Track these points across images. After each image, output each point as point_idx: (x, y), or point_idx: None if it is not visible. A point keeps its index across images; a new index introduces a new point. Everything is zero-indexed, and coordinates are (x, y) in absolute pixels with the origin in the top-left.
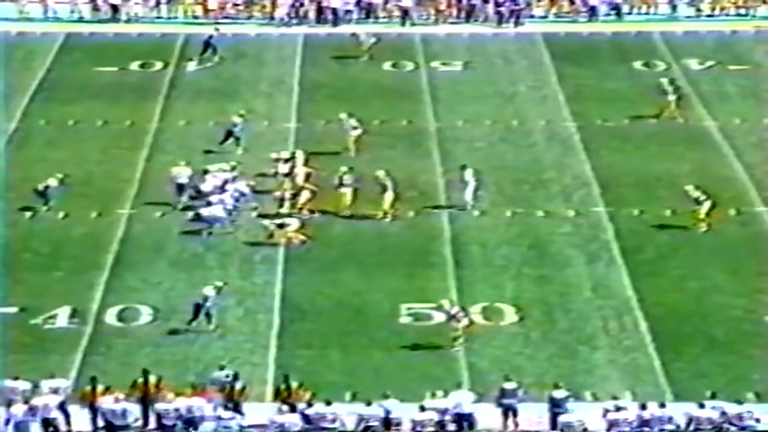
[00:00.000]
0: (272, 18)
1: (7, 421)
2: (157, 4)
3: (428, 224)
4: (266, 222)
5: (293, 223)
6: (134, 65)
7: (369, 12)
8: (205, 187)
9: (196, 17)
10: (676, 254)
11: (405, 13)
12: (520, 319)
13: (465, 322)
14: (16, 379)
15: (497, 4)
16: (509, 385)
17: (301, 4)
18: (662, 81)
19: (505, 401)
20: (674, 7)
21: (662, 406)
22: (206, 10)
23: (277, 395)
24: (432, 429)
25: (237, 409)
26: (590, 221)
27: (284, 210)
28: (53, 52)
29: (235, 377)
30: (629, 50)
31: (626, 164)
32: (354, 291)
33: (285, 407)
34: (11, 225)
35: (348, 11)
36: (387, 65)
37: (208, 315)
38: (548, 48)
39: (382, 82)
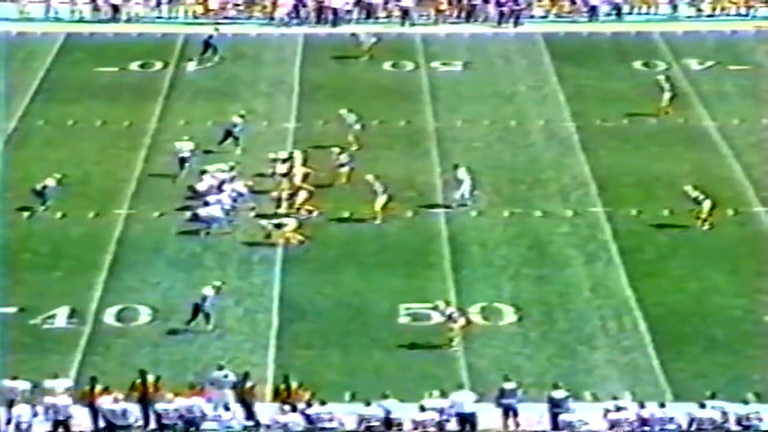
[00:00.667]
0: (272, 18)
1: (8, 421)
2: (158, 4)
3: (427, 224)
4: (263, 222)
5: (290, 224)
6: (134, 65)
7: (369, 12)
8: (202, 187)
9: (196, 17)
10: (675, 254)
11: (405, 13)
12: (519, 319)
13: (461, 322)
14: (15, 379)
15: (498, 4)
16: (509, 385)
17: (303, 5)
18: (659, 78)
19: (505, 401)
20: (675, 7)
21: (662, 406)
22: (207, 10)
23: (277, 395)
24: (433, 429)
25: (248, 409)
26: (589, 221)
27: (282, 210)
28: (53, 52)
29: (245, 376)
30: (629, 50)
31: (625, 164)
32: (353, 291)
33: (287, 407)
34: (10, 225)
35: (348, 11)
36: (387, 65)
37: (206, 315)
38: (548, 48)
39: (381, 82)
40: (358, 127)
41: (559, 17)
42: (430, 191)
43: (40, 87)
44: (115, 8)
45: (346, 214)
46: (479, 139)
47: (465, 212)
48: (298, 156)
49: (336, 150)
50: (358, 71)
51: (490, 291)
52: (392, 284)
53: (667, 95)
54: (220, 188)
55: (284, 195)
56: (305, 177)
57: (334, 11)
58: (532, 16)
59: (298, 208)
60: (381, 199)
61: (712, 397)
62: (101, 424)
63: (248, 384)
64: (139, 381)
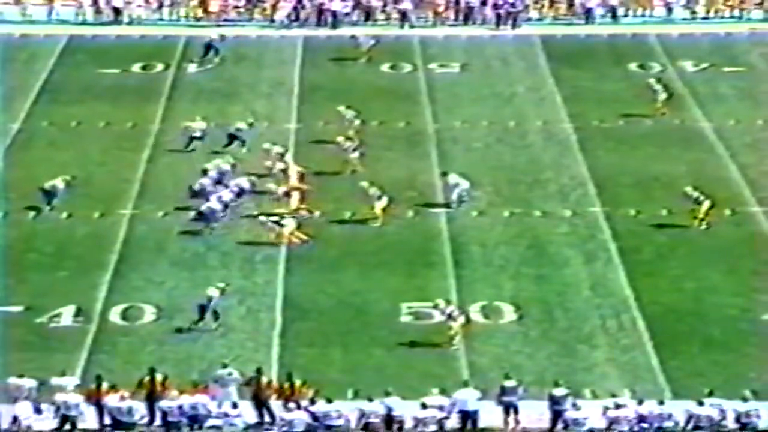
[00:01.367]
0: (272, 20)
1: (15, 419)
2: (159, 6)
3: (427, 224)
4: (263, 218)
5: (290, 224)
6: (136, 67)
7: (368, 14)
8: (201, 185)
9: (197, 19)
10: (673, 254)
11: (403, 15)
12: (520, 317)
13: (461, 320)
14: (22, 377)
15: (495, 6)
16: (509, 383)
17: (302, 7)
18: (650, 81)
19: (506, 399)
20: (670, 10)
21: (661, 403)
22: (207, 12)
23: (281, 393)
24: (434, 426)
25: (262, 406)
26: (587, 221)
27: (280, 210)
28: (56, 54)
29: (259, 372)
30: (625, 52)
31: (623, 165)
32: (355, 290)
33: (292, 404)
34: (15, 225)
35: (347, 14)
36: (385, 67)
37: (215, 313)
38: (545, 50)
39: (380, 83)
40: (357, 122)
41: (556, 20)
42: (430, 191)
43: (44, 89)
44: (117, 11)
45: (347, 215)
46: (478, 139)
47: (465, 212)
48: (289, 156)
49: (341, 139)
50: (357, 73)
51: (490, 290)
52: (393, 283)
53: (661, 97)
54: (220, 182)
55: (280, 192)
56: (301, 177)
57: (334, 14)
58: (529, 19)
59: (297, 209)
60: (381, 203)
61: (710, 394)
62: (107, 420)
63: (263, 380)
64: (147, 379)
